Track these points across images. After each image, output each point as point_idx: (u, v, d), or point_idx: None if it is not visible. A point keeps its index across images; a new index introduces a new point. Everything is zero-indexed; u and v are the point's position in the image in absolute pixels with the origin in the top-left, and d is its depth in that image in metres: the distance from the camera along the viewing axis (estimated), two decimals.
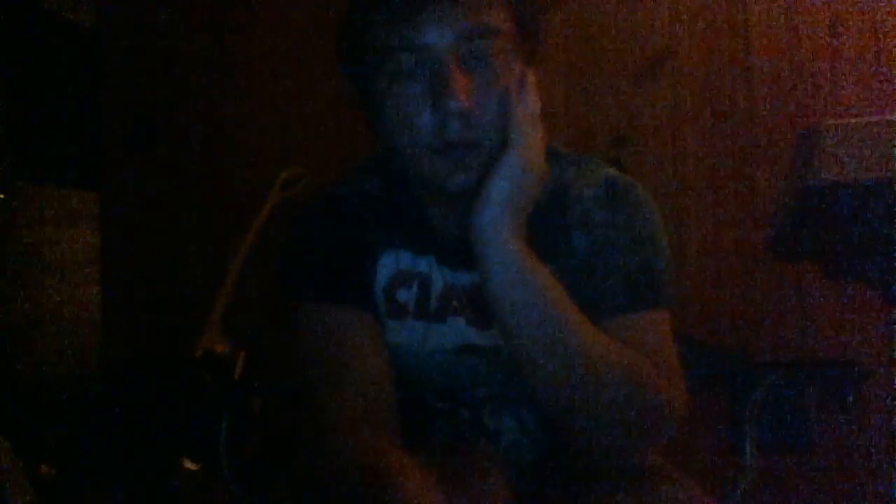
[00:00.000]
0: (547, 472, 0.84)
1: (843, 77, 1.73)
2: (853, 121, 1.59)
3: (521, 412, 0.85)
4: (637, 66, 1.83)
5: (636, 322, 0.74)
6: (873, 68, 1.71)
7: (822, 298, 1.72)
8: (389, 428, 0.75)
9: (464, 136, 0.73)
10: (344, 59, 0.78)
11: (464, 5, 0.71)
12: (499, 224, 0.71)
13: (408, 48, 0.72)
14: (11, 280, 1.68)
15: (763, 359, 1.69)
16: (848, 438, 1.68)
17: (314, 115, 1.94)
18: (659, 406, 0.70)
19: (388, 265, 0.84)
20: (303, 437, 0.76)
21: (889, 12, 1.71)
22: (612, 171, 0.83)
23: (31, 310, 1.73)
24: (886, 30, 1.71)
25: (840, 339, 1.70)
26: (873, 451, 1.66)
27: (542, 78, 0.75)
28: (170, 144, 2.05)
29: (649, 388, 0.70)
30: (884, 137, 1.49)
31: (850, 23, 1.73)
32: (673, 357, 0.75)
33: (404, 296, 0.84)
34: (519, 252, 0.71)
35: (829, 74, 1.74)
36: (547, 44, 1.90)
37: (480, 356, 0.83)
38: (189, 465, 1.54)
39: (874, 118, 1.57)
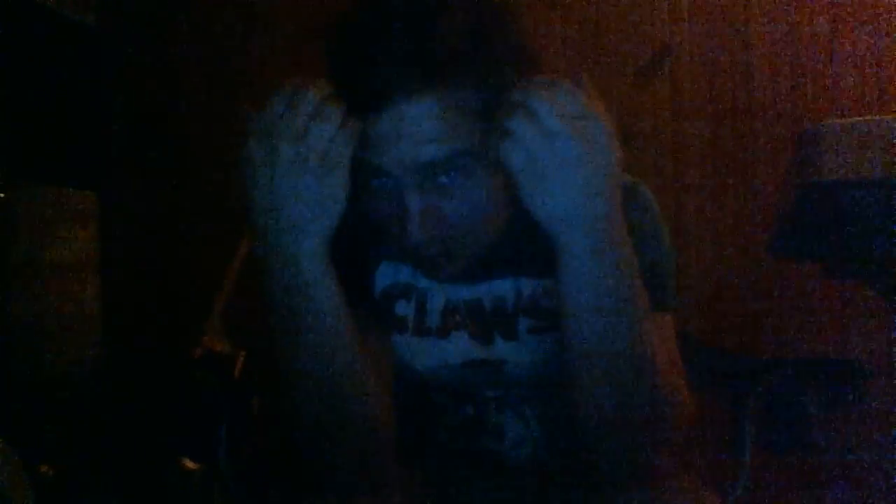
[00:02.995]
0: (549, 471, 0.84)
1: (843, 77, 1.73)
2: (853, 120, 1.59)
3: (525, 411, 0.85)
4: (637, 64, 1.83)
5: None
6: (873, 68, 1.71)
7: (822, 298, 1.72)
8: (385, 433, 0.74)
9: (434, 251, 0.71)
10: None
11: (425, 132, 0.65)
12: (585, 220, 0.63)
13: (369, 166, 0.68)
14: (11, 280, 1.68)
15: (763, 359, 1.69)
16: (848, 438, 1.68)
17: None
18: (676, 409, 0.71)
19: (385, 275, 0.84)
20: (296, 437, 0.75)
21: (889, 12, 1.71)
22: None
23: (31, 310, 1.73)
24: (886, 30, 1.71)
25: (840, 339, 1.70)
26: (873, 451, 1.66)
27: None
28: (170, 145, 2.05)
29: (677, 391, 0.70)
30: (884, 137, 1.49)
31: (850, 23, 1.73)
32: (679, 360, 0.74)
33: (403, 309, 0.83)
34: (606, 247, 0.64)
35: (829, 74, 1.74)
36: (546, 43, 1.90)
37: (485, 369, 0.83)
38: (189, 465, 1.54)
39: (874, 118, 1.57)
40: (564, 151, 0.61)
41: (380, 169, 0.67)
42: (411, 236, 0.68)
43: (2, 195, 1.65)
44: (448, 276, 0.75)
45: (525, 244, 0.81)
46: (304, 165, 0.62)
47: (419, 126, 0.65)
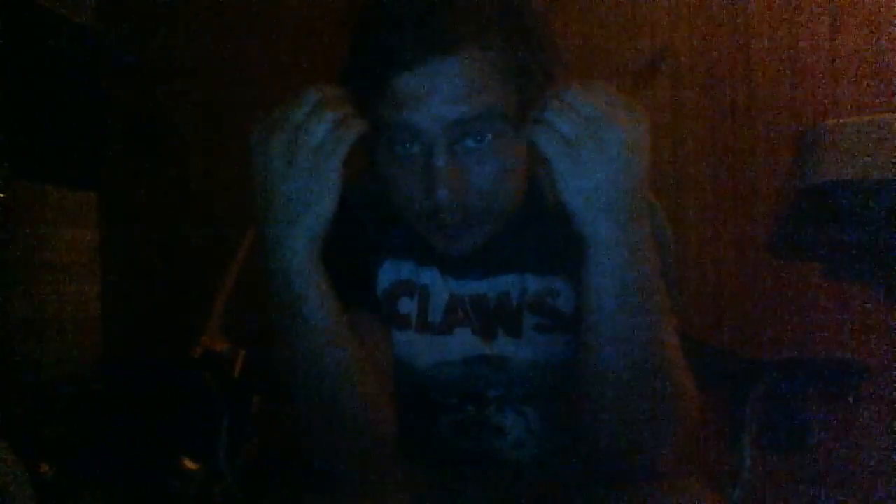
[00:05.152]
0: (550, 470, 0.84)
1: (843, 77, 1.73)
2: (853, 120, 1.59)
3: (526, 410, 0.85)
4: (637, 65, 1.83)
5: None
6: (873, 68, 1.71)
7: (822, 298, 1.72)
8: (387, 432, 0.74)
9: (456, 217, 0.71)
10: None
11: (457, 88, 0.66)
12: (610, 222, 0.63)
13: (398, 125, 0.69)
14: (11, 280, 1.68)
15: (763, 359, 1.69)
16: (848, 438, 1.68)
17: None
18: (683, 408, 0.71)
19: (389, 272, 0.84)
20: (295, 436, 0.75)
21: (889, 12, 1.71)
22: None
23: (31, 310, 1.73)
24: (886, 30, 1.71)
25: (840, 338, 1.70)
26: (873, 451, 1.66)
27: None
28: (170, 144, 2.05)
29: (685, 391, 0.70)
30: (884, 137, 1.49)
31: (850, 23, 1.73)
32: (683, 361, 0.74)
33: (406, 306, 0.83)
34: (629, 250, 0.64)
35: (829, 74, 1.74)
36: None
37: (488, 366, 0.83)
38: (189, 465, 1.54)
39: (874, 118, 1.57)
40: (602, 134, 0.62)
41: (410, 127, 0.68)
42: (437, 198, 0.68)
43: (2, 195, 1.65)
44: (461, 251, 0.74)
45: (533, 240, 0.81)
46: (295, 156, 0.63)
47: (450, 83, 0.66)
